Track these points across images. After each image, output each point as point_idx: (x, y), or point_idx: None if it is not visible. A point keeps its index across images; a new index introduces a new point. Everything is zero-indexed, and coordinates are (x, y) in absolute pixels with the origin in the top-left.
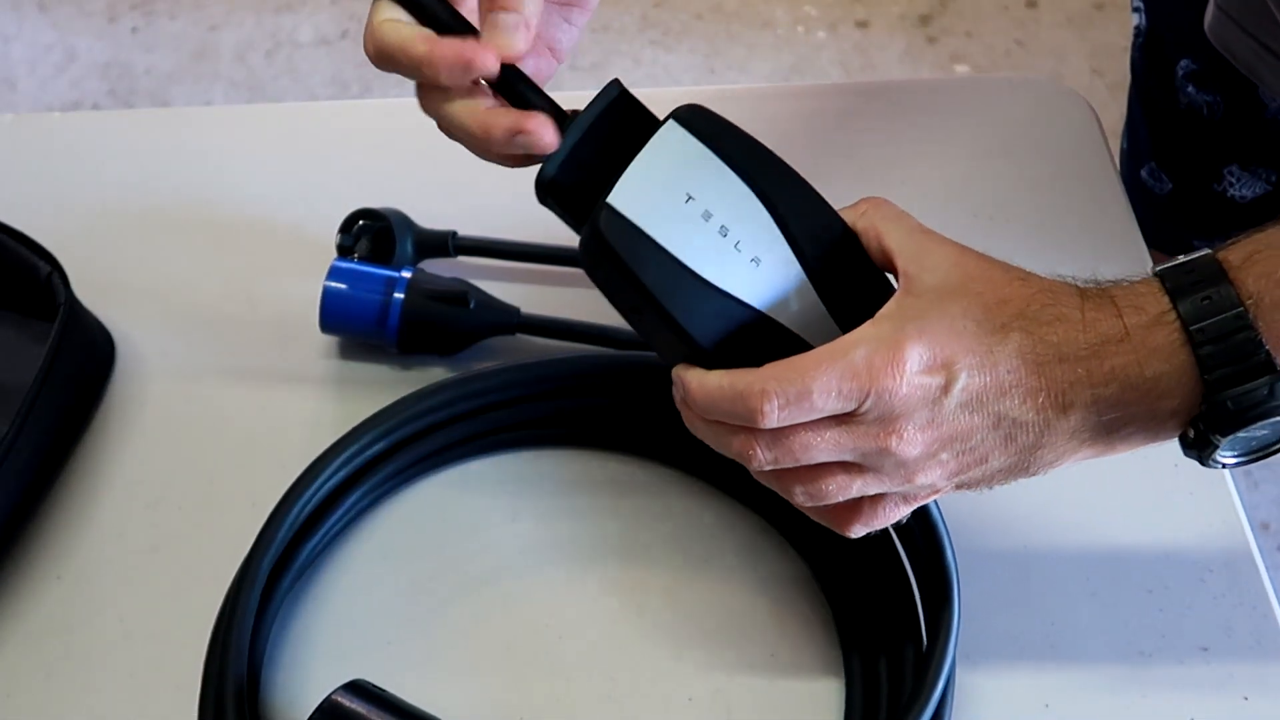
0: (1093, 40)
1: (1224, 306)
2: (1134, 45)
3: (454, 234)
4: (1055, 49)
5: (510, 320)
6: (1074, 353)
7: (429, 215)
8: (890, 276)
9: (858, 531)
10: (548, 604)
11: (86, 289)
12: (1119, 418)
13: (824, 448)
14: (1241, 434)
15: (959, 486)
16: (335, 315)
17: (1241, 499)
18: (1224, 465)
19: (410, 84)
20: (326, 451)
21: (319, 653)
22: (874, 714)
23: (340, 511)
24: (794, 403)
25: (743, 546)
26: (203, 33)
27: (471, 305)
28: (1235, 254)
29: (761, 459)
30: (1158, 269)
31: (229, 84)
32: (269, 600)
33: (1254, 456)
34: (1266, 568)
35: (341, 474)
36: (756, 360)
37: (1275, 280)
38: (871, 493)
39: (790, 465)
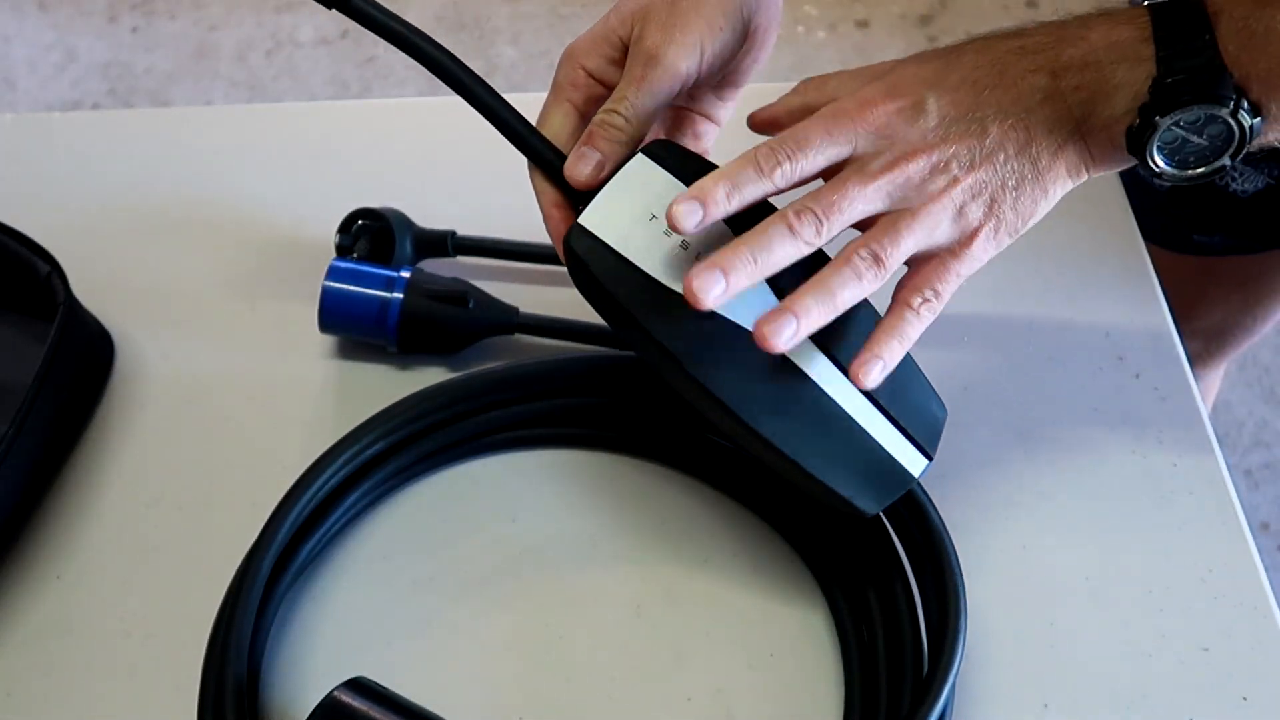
0: None
1: (1190, 9)
2: None
3: (453, 234)
4: None
5: (509, 320)
6: (1031, 48)
7: (428, 215)
8: None
9: (927, 306)
10: (547, 603)
11: (86, 289)
12: (1080, 101)
13: (856, 192)
14: (1179, 131)
15: (990, 212)
16: (334, 315)
17: (1241, 499)
18: (1159, 174)
19: (409, 84)
20: (328, 452)
21: (318, 652)
22: (873, 714)
23: (340, 511)
24: (796, 146)
25: (743, 546)
26: (203, 33)
27: (471, 305)
28: None
29: (811, 222)
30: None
31: (229, 84)
32: (269, 599)
33: (1189, 171)
34: (1266, 568)
35: (342, 474)
36: (717, 356)
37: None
38: (921, 237)
39: (837, 222)
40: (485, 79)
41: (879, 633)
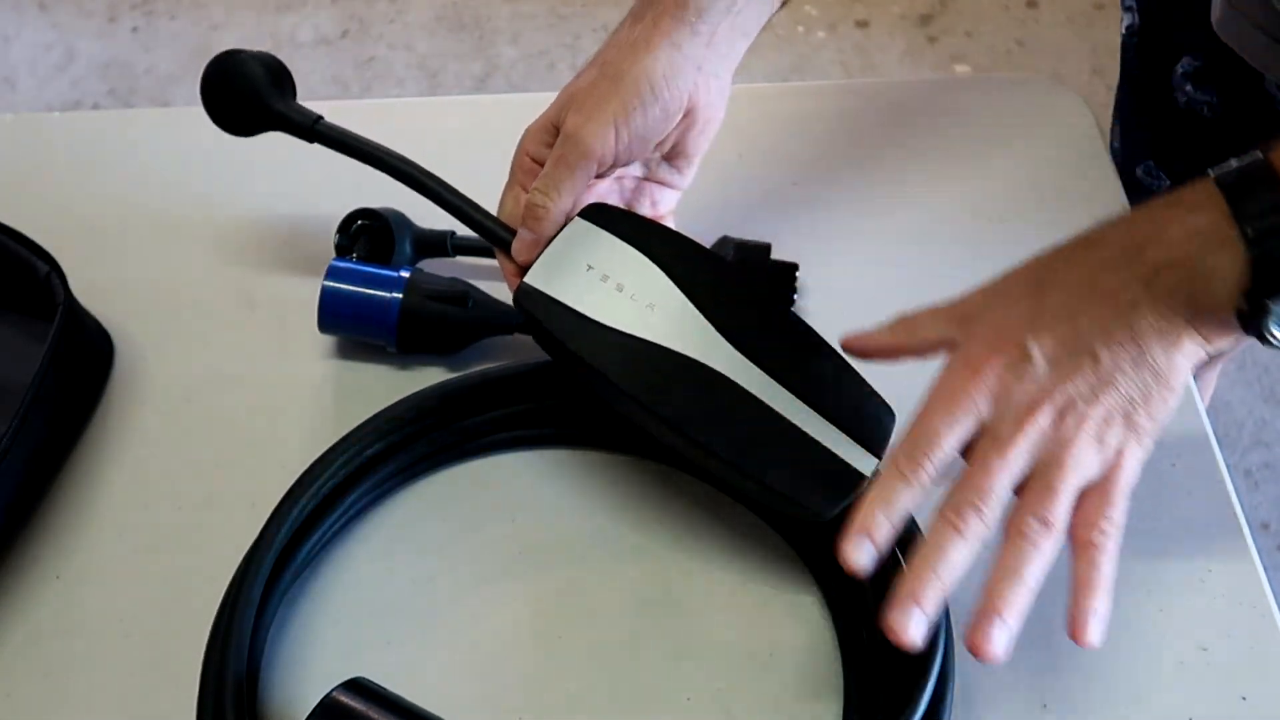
0: (1093, 40)
1: (1262, 180)
2: (1126, 45)
3: (452, 233)
4: (1055, 49)
5: (509, 320)
6: (1114, 260)
7: (428, 215)
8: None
9: (1105, 537)
10: (547, 603)
11: (86, 289)
12: (1182, 300)
13: (999, 467)
14: None
15: (1129, 429)
16: (334, 315)
17: (1241, 499)
18: None
19: (409, 84)
20: (328, 451)
21: (317, 652)
22: (873, 714)
23: (340, 511)
24: (929, 444)
25: (743, 546)
26: (203, 33)
27: (470, 305)
28: (1275, 150)
29: (972, 515)
30: (1210, 173)
31: None
32: (268, 599)
33: None
34: (1266, 568)
35: (342, 474)
36: (656, 385)
37: None
38: (1074, 483)
39: (994, 505)
40: (484, 80)
41: (879, 633)
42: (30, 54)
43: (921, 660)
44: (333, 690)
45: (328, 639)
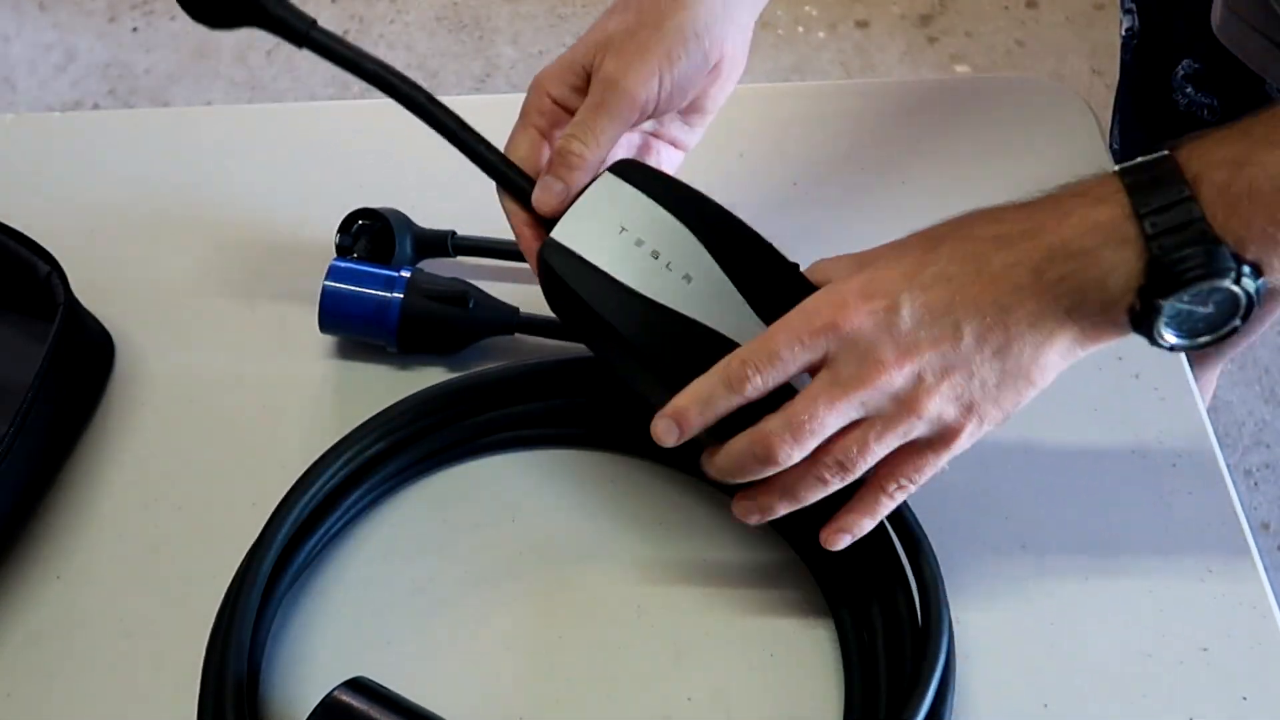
0: (1093, 40)
1: (1166, 179)
2: (1126, 47)
3: (453, 233)
4: (1055, 49)
5: (509, 320)
6: (1010, 236)
7: (428, 215)
8: None
9: (901, 491)
10: (547, 603)
11: (86, 289)
12: (1068, 290)
13: (825, 411)
14: (1183, 305)
15: (970, 412)
16: (335, 315)
17: (1241, 499)
18: (1170, 346)
19: None
20: (329, 452)
21: (318, 652)
22: (874, 715)
23: (340, 511)
24: (767, 360)
25: (743, 547)
26: (203, 32)
27: (470, 305)
28: (1182, 149)
29: (783, 449)
30: (1115, 169)
31: (229, 84)
32: (269, 599)
33: (1199, 339)
34: (1266, 568)
35: (342, 474)
36: (691, 363)
37: (1213, 161)
38: (893, 443)
39: (809, 444)
40: (484, 80)
41: (879, 633)
42: (30, 54)
43: (923, 661)
44: (334, 689)
45: (327, 639)
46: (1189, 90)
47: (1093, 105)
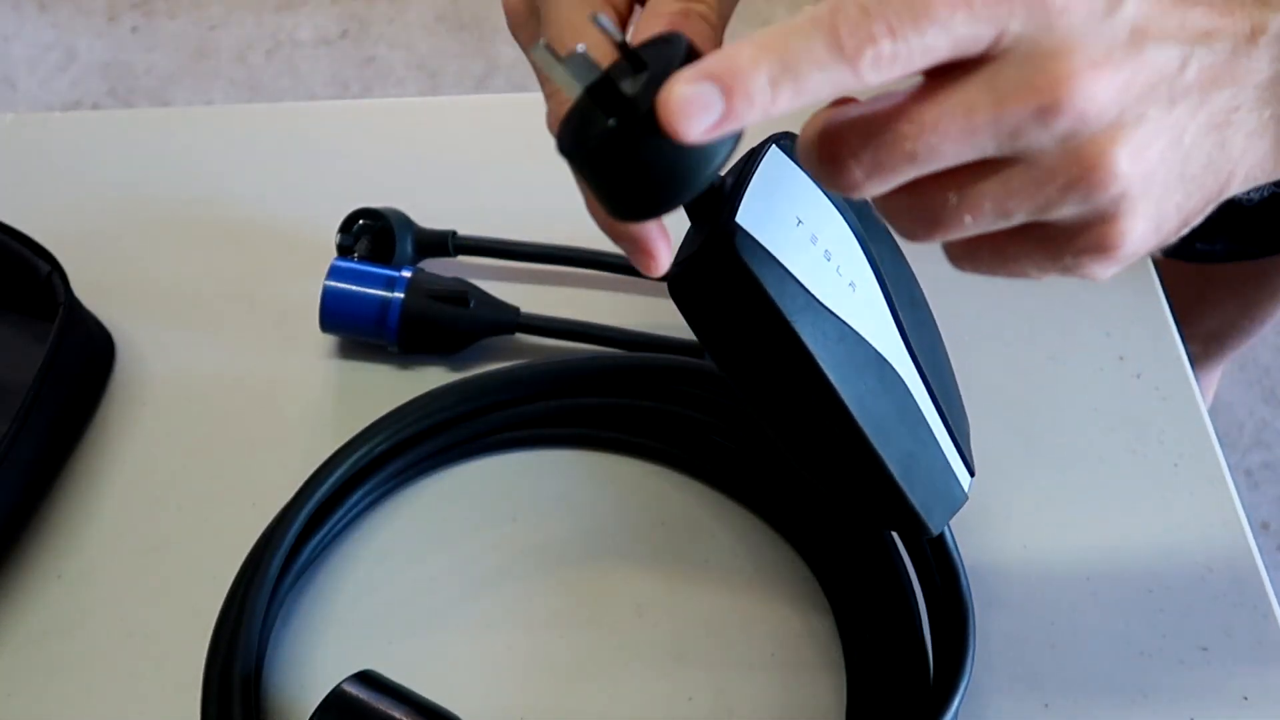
0: None
1: None
2: None
3: (454, 233)
4: None
5: (510, 320)
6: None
7: (429, 215)
8: None
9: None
10: (548, 603)
11: (86, 289)
12: None
13: (950, 125)
14: None
15: (1148, 199)
16: (335, 315)
17: (1241, 499)
18: None
19: (409, 84)
20: (340, 450)
21: (319, 650)
22: (876, 715)
23: (343, 510)
24: (908, 13)
25: (743, 546)
26: (203, 32)
27: (471, 305)
28: None
29: (850, 150)
30: None
31: (229, 84)
32: (273, 596)
33: None
34: (1266, 568)
35: (349, 473)
36: (860, 382)
37: None
38: (1022, 211)
39: (897, 162)
40: (484, 80)
41: (881, 633)
42: (30, 54)
43: (925, 662)
44: (342, 682)
45: (328, 638)
46: None
47: None
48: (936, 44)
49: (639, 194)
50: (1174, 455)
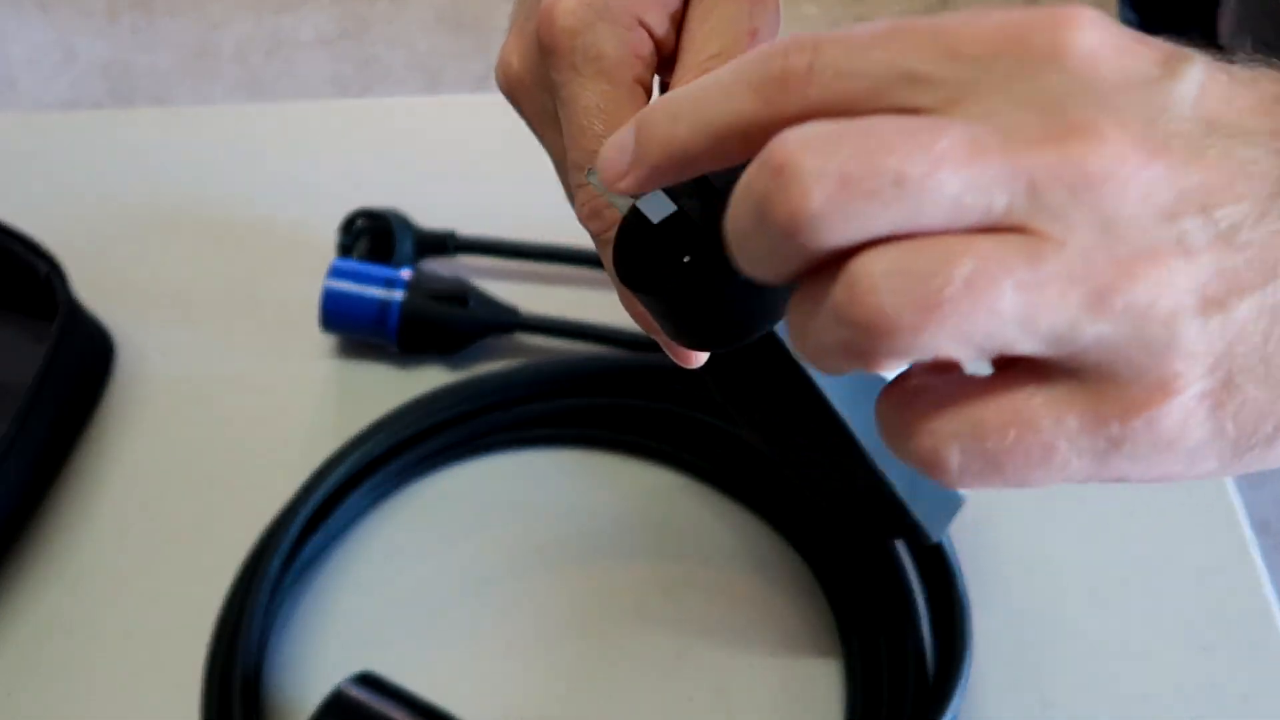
0: None
1: None
2: None
3: (453, 233)
4: None
5: (510, 320)
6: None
7: (429, 215)
8: None
9: (1035, 472)
10: (547, 603)
11: (86, 289)
12: None
13: (950, 167)
14: None
15: (1229, 363)
16: (335, 314)
17: (1241, 499)
18: None
19: (409, 84)
20: (342, 449)
21: (318, 650)
22: (875, 714)
23: (343, 509)
24: (843, 45)
25: (743, 546)
26: (203, 32)
27: (471, 304)
28: None
29: (817, 186)
30: None
31: (229, 84)
32: (273, 596)
33: None
34: (1266, 568)
35: (350, 472)
36: (854, 399)
37: None
38: (1042, 317)
39: (867, 208)
40: (484, 80)
41: (882, 633)
42: (30, 54)
43: (925, 662)
44: (342, 683)
45: (328, 637)
46: None
47: None
48: (875, 73)
49: (719, 330)
50: None
